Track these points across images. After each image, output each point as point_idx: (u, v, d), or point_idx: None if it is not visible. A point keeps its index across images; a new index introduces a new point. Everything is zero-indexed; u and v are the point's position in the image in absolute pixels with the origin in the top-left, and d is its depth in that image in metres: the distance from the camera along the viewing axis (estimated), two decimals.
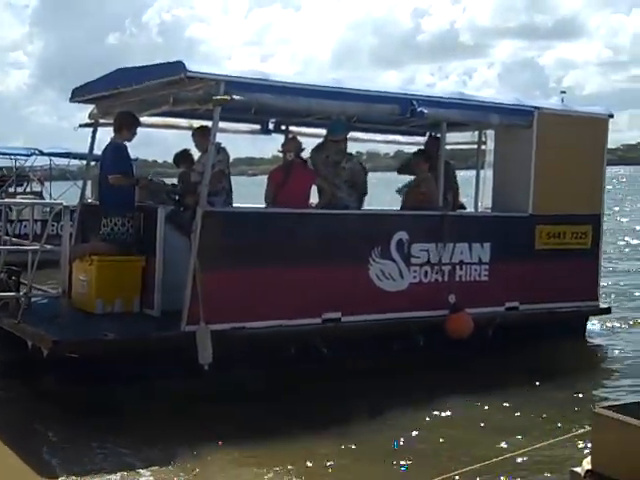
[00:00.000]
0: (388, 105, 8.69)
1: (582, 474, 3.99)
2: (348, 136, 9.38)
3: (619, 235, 23.40)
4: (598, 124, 10.23)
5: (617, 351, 9.71)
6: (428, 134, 10.56)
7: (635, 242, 22.23)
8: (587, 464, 4.01)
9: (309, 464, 5.87)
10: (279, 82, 8.02)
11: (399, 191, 9.80)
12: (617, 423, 3.82)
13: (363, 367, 7.82)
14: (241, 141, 11.58)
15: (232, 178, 8.88)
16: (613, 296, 12.74)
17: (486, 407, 7.24)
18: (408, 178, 9.90)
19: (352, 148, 9.72)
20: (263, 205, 8.76)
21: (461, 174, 10.52)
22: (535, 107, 9.68)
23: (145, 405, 6.80)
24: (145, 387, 6.94)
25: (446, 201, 9.25)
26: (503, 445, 6.04)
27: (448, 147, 10.01)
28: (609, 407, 4.06)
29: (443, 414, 7.07)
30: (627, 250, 20.32)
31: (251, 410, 6.84)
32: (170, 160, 10.12)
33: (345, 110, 8.70)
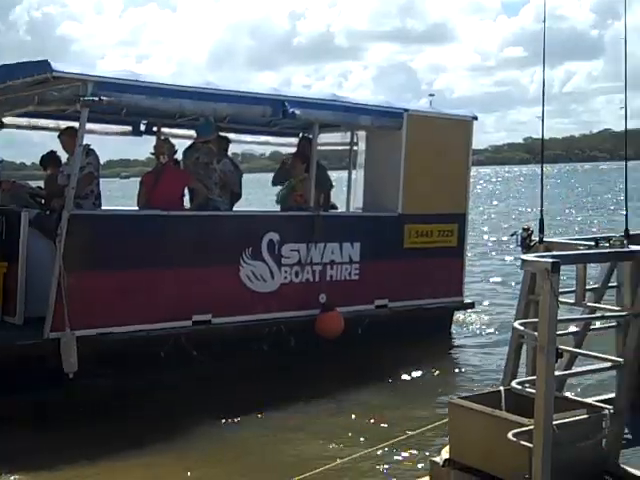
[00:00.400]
0: (260, 106, 8.73)
1: (441, 463, 4.12)
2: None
3: (484, 232, 24.22)
4: (463, 126, 10.57)
5: (478, 344, 10.06)
6: (301, 135, 10.66)
7: (503, 239, 22.98)
8: (445, 453, 4.14)
9: (163, 469, 5.87)
10: (149, 83, 7.93)
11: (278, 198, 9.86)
12: (471, 412, 3.97)
13: (232, 369, 7.82)
14: (115, 142, 11.37)
15: (106, 180, 8.69)
16: (477, 290, 13.21)
17: (349, 403, 7.41)
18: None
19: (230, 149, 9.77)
20: (135, 208, 8.65)
21: (334, 175, 10.68)
22: (404, 109, 9.92)
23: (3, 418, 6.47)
24: (8, 399, 6.61)
25: (317, 202, 9.37)
26: (365, 440, 6.18)
27: (323, 148, 10.11)
28: (464, 397, 4.20)
29: (307, 413, 7.17)
30: (491, 246, 21.00)
31: (115, 420, 6.69)
32: (38, 162, 9.82)
33: (216, 111, 8.69)
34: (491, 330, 10.61)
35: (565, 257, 3.57)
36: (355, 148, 11.18)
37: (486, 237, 23.10)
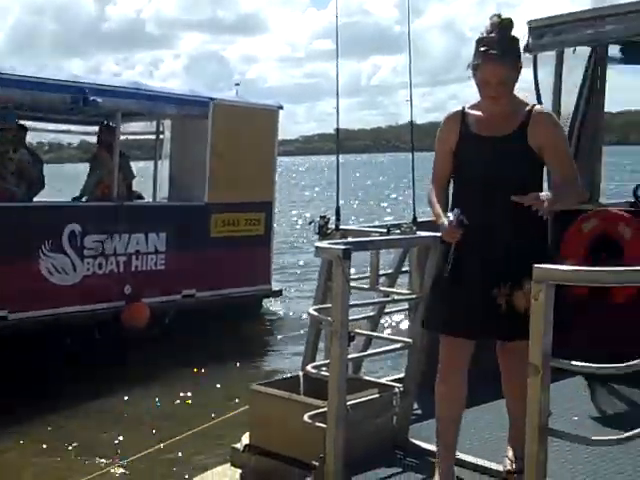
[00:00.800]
0: (58, 94, 8.46)
1: (241, 449, 4.17)
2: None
3: (294, 221, 24.66)
4: (269, 115, 10.71)
5: (286, 331, 10.24)
6: (103, 123, 10.38)
7: (303, 228, 23.40)
8: (246, 439, 4.20)
9: None
10: None
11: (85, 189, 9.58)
12: (270, 397, 4.05)
13: (32, 367, 7.53)
14: None
15: None
16: (286, 278, 13.45)
17: (154, 392, 7.38)
18: None
19: (34, 138, 9.39)
20: None
21: (140, 165, 10.51)
22: (210, 98, 9.93)
23: None
24: None
25: (121, 192, 9.19)
26: (168, 429, 6.15)
27: (132, 137, 9.91)
28: (264, 383, 4.28)
29: (113, 401, 7.11)
30: (300, 234, 21.40)
31: None
32: None
33: (11, 98, 8.31)
34: (299, 317, 10.82)
35: (356, 244, 3.70)
36: (162, 137, 11.06)
37: (295, 225, 23.50)
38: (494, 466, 3.56)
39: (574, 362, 2.48)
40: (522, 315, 3.03)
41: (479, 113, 3.33)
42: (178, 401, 7.14)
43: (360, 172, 62.55)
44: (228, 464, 4.28)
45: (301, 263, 15.94)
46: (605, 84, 5.62)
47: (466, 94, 3.31)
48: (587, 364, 2.49)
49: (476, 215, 3.20)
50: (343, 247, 3.48)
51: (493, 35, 3.17)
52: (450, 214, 3.20)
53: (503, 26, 3.19)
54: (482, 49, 3.17)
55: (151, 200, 10.60)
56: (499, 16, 3.21)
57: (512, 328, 3.12)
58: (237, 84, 11.27)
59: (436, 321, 3.42)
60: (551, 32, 5.03)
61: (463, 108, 3.39)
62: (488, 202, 3.21)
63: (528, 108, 3.27)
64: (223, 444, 5.60)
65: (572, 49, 5.23)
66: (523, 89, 4.90)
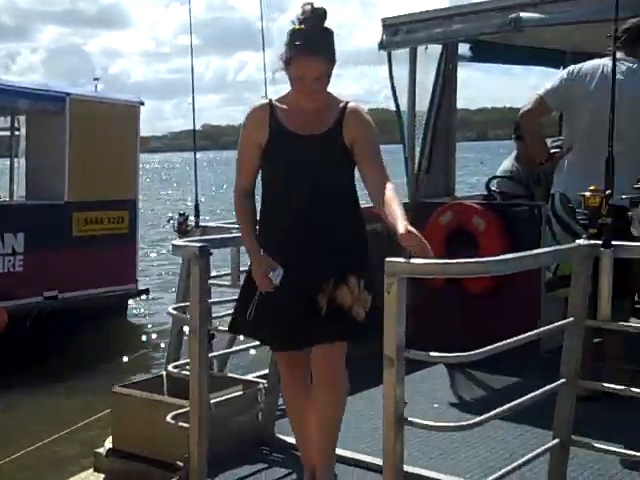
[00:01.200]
0: None
1: (104, 453, 4.08)
2: None
3: (161, 220, 24.27)
4: (130, 111, 10.54)
5: (155, 329, 10.12)
6: None
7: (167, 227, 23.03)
8: (109, 443, 4.11)
9: None
10: None
11: None
12: (132, 399, 3.98)
13: None
14: None
15: None
16: (151, 276, 13.25)
17: (14, 401, 7.17)
18: None
19: None
20: None
21: None
22: (67, 93, 9.69)
23: None
24: None
25: None
26: (31, 437, 5.93)
27: None
28: (126, 384, 4.21)
29: None
30: (163, 232, 21.09)
31: None
32: None
33: None
34: (165, 317, 10.65)
35: (214, 241, 3.68)
36: (17, 133, 10.68)
37: (161, 224, 23.15)
38: (369, 459, 3.57)
39: (427, 353, 2.52)
40: (345, 312, 2.93)
41: (290, 108, 3.03)
42: (38, 407, 6.92)
43: (226, 169, 62.30)
44: (91, 469, 4.19)
45: (168, 262, 15.73)
46: (456, 81, 5.82)
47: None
48: (439, 354, 2.54)
49: (294, 218, 2.99)
50: (199, 245, 3.44)
51: (306, 27, 2.87)
52: (272, 272, 2.99)
53: (317, 16, 2.89)
54: (297, 43, 2.86)
55: (7, 199, 10.24)
56: (312, 5, 2.89)
57: (336, 329, 2.94)
58: (96, 79, 11.04)
59: (265, 337, 3.24)
60: (404, 30, 5.13)
61: (270, 101, 3.07)
62: (306, 203, 2.96)
63: (342, 104, 3.01)
64: (86, 449, 5.49)
65: (424, 47, 5.38)
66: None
